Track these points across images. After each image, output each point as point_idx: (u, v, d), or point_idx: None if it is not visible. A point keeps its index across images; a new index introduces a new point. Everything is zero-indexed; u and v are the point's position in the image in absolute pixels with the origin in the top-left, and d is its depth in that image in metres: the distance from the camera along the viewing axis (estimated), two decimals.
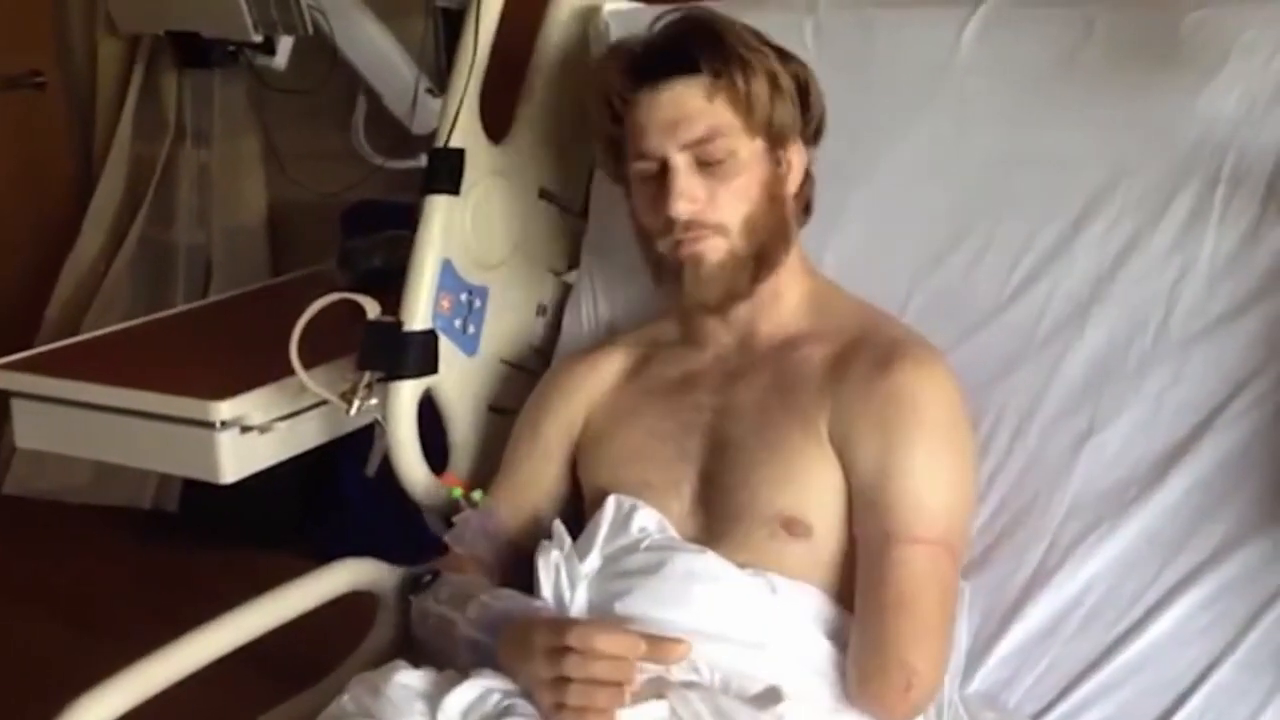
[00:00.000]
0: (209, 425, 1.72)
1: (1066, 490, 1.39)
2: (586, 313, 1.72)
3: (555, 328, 1.77)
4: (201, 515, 3.04)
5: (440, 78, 2.65)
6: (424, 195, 1.59)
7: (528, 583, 1.37)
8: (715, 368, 1.43)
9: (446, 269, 1.59)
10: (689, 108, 1.35)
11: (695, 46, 1.36)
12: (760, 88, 1.36)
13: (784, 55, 1.41)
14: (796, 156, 1.42)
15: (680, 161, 1.35)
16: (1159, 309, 1.38)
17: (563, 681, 1.14)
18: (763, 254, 1.38)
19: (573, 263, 1.80)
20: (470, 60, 1.59)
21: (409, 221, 1.62)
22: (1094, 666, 1.34)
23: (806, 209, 1.46)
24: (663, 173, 1.36)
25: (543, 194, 1.76)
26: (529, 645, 1.18)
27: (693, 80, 1.35)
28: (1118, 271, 1.41)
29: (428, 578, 1.43)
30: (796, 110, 1.40)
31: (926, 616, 1.26)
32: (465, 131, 1.60)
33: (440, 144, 1.59)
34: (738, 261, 1.36)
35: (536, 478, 1.50)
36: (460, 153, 1.60)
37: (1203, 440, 1.34)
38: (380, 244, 2.18)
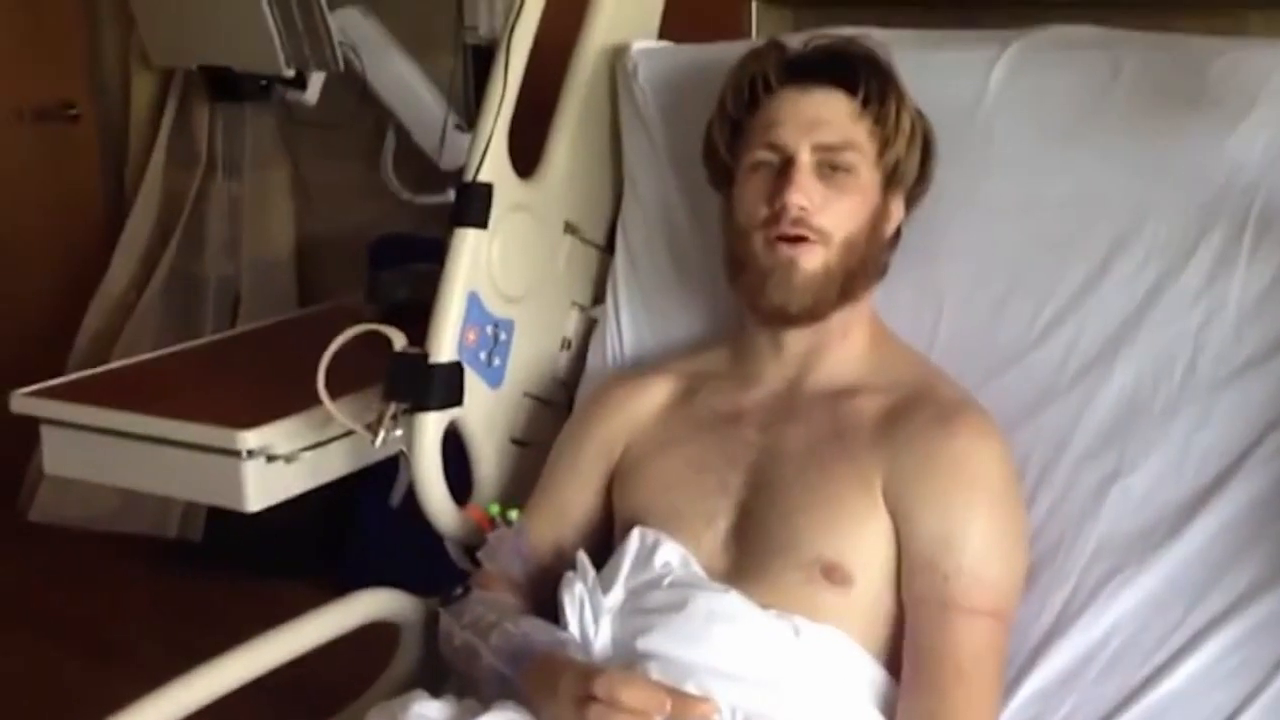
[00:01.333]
0: (235, 454, 1.73)
1: (1092, 533, 1.38)
2: (611, 347, 1.72)
3: (579, 361, 1.77)
4: (226, 545, 3.04)
5: (469, 113, 2.67)
6: (452, 228, 1.60)
7: (544, 606, 1.37)
8: (765, 406, 1.42)
9: (473, 301, 1.60)
10: (833, 114, 1.38)
11: (858, 68, 1.40)
12: (903, 129, 1.40)
13: (920, 112, 1.44)
14: (897, 209, 1.44)
15: (806, 159, 1.37)
16: (1186, 352, 1.38)
17: None
18: (852, 277, 1.38)
19: (597, 297, 1.80)
20: (500, 96, 1.60)
21: (436, 255, 1.62)
22: (1118, 711, 1.32)
23: (884, 268, 1.46)
24: (784, 168, 1.37)
25: (569, 228, 1.77)
26: (555, 688, 1.19)
27: (844, 95, 1.39)
28: (1145, 314, 1.40)
29: (459, 591, 1.43)
30: (918, 167, 1.44)
31: (984, 688, 1.27)
32: (493, 166, 1.61)
33: (469, 178, 1.60)
34: (830, 276, 1.37)
35: (572, 499, 1.49)
36: (488, 187, 1.60)
37: (1230, 484, 1.34)
38: (407, 277, 2.19)
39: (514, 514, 1.52)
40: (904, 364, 1.44)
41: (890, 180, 1.41)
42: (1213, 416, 1.36)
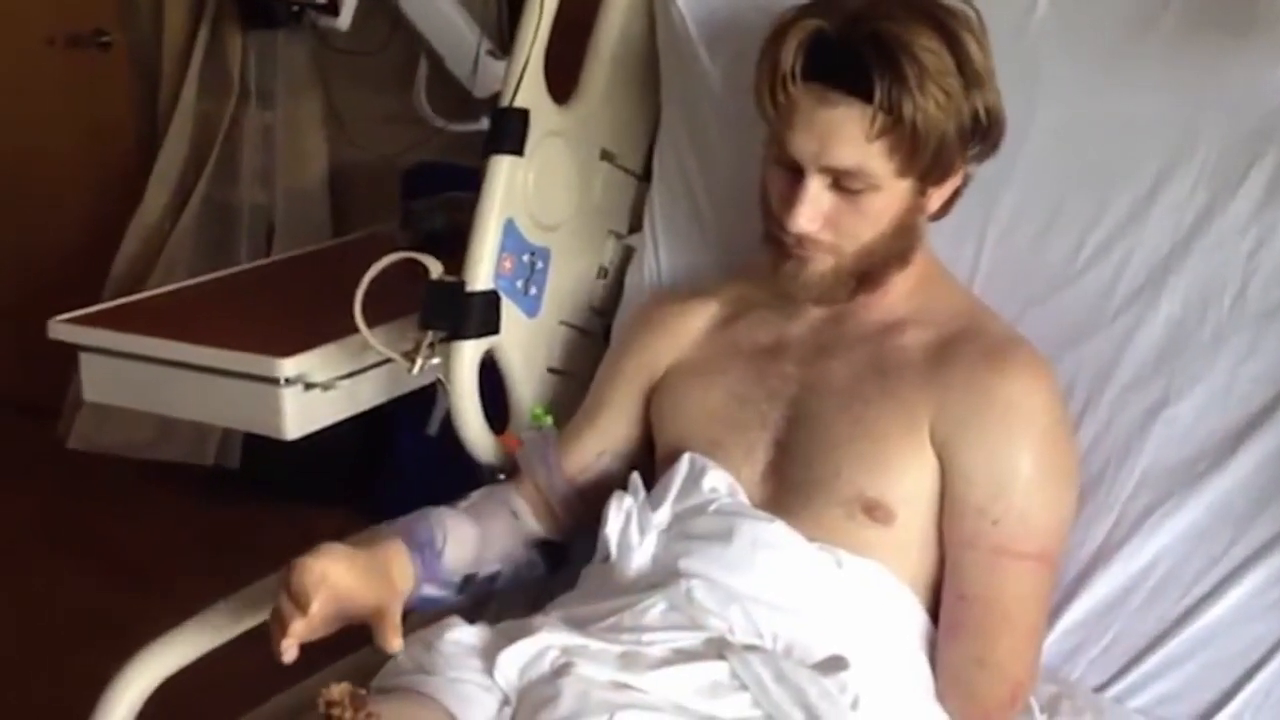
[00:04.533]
0: (274, 381, 1.73)
1: (1136, 463, 1.37)
2: (648, 275, 1.71)
3: (616, 290, 1.77)
4: (262, 472, 3.07)
5: (502, 40, 2.65)
6: (487, 155, 1.58)
7: (581, 522, 1.42)
8: (808, 339, 1.40)
9: (509, 229, 1.58)
10: (845, 136, 1.24)
11: (875, 68, 1.22)
12: (930, 133, 1.24)
13: (973, 81, 1.27)
14: (952, 181, 1.33)
15: (815, 181, 1.27)
16: (1235, 280, 1.36)
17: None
18: (869, 274, 1.33)
19: (634, 225, 1.79)
20: (536, 20, 1.58)
21: (469, 184, 1.61)
22: (1159, 640, 1.33)
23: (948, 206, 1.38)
24: (795, 180, 1.29)
25: (605, 156, 1.75)
26: None
27: (860, 109, 1.23)
28: (1193, 241, 1.38)
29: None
30: (968, 150, 1.31)
31: (1031, 631, 1.28)
32: (529, 92, 1.59)
33: (505, 104, 1.58)
34: (840, 277, 1.32)
35: (613, 416, 1.49)
36: (524, 113, 1.58)
37: (1276, 414, 1.32)
38: (441, 205, 2.18)
39: (549, 419, 1.53)
40: (951, 298, 1.40)
41: (929, 176, 1.29)
42: (1261, 346, 1.34)
